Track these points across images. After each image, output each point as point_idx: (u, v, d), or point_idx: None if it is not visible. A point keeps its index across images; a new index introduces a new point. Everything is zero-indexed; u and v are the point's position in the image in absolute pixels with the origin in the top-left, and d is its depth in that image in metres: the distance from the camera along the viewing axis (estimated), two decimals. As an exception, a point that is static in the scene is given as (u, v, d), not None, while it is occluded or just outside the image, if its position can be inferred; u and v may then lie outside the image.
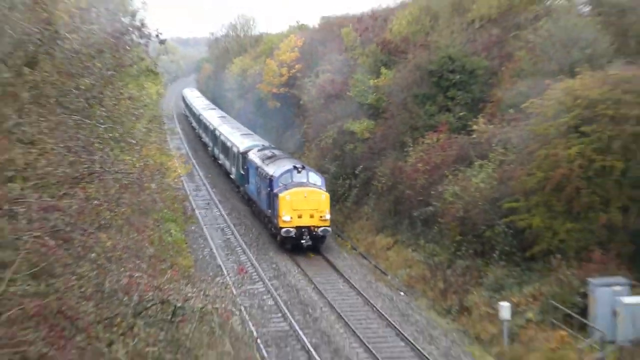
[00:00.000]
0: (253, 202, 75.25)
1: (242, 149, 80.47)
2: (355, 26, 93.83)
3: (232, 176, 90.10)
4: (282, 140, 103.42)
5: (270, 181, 62.49)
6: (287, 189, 59.99)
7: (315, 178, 62.82)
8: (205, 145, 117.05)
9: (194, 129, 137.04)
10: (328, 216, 60.26)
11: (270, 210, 63.92)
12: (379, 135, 70.98)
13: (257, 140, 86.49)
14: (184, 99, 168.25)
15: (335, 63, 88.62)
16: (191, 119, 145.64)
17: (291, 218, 59.02)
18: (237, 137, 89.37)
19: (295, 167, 62.18)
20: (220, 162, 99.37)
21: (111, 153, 25.88)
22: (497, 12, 73.82)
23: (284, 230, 59.39)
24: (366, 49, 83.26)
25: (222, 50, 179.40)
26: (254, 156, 73.75)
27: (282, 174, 61.67)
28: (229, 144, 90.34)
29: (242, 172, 79.31)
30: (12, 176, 20.61)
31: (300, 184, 60.65)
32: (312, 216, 59.31)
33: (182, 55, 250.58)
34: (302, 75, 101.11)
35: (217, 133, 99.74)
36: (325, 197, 60.86)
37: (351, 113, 77.16)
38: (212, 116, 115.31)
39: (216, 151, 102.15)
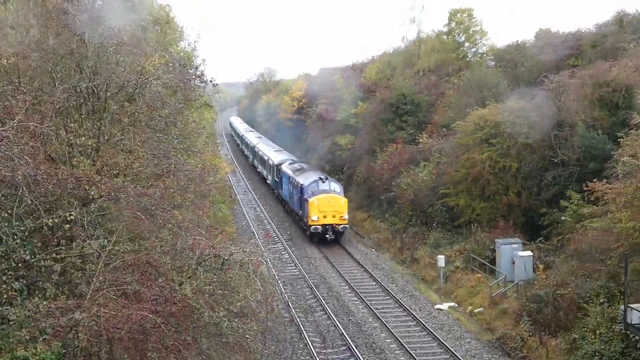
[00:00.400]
0: (286, 203, 69.13)
1: (276, 162, 74.33)
2: (342, 74, 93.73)
3: (268, 182, 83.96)
4: (295, 149, 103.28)
5: (301, 189, 57.43)
6: (314, 195, 55.10)
7: (335, 186, 57.51)
8: (247, 157, 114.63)
9: (237, 144, 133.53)
10: (346, 216, 55.47)
11: (300, 211, 58.91)
12: (358, 146, 70.91)
13: (287, 155, 79.85)
14: (231, 124, 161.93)
15: (329, 98, 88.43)
16: (236, 138, 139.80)
17: (318, 218, 54.29)
18: (271, 152, 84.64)
19: (320, 178, 57.13)
20: (258, 170, 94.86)
21: (181, 158, 25.88)
22: (434, 65, 74.36)
23: (312, 227, 54.45)
24: (349, 89, 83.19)
25: (254, 90, 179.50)
26: (286, 168, 67.90)
27: (310, 183, 56.55)
28: (265, 157, 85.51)
29: (276, 179, 73.34)
30: (117, 173, 20.63)
31: (325, 191, 55.61)
32: (334, 216, 54.50)
33: (228, 94, 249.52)
34: (307, 106, 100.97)
35: (256, 149, 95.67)
36: (344, 201, 55.64)
37: (339, 131, 77.16)
38: (252, 137, 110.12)
39: (255, 162, 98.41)
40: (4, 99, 19.45)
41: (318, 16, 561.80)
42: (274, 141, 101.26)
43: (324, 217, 54.51)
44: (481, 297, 38.85)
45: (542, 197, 42.72)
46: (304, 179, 58.83)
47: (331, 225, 54.49)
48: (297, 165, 67.76)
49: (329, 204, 54.59)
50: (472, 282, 40.63)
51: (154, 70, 23.43)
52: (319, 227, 54.28)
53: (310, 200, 54.95)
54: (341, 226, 54.94)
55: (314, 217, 54.41)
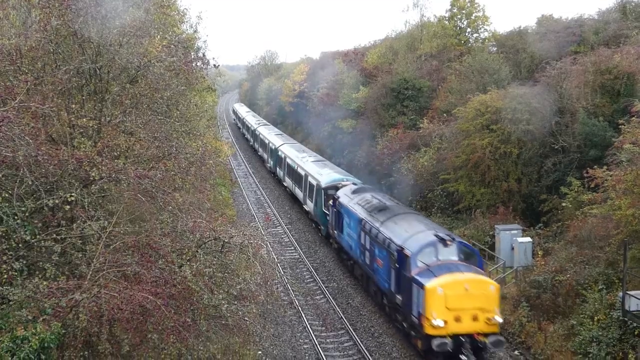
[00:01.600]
0: (350, 259, 42.25)
1: (319, 181, 51.16)
2: (343, 58, 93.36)
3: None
4: (295, 132, 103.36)
5: (400, 256, 30.92)
6: (435, 276, 28.72)
7: (468, 253, 30.89)
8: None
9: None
10: (499, 318, 28.58)
11: (402, 299, 31.04)
12: (359, 130, 70.76)
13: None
14: (234, 111, 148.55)
15: (330, 82, 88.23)
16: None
17: (445, 322, 27.89)
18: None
19: (440, 239, 30.65)
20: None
21: (183, 140, 25.82)
22: (436, 50, 74.08)
23: (436, 341, 27.73)
24: (350, 73, 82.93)
25: (255, 73, 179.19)
26: (352, 204, 40.94)
27: (421, 249, 30.21)
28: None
29: (324, 210, 48.35)
30: (118, 155, 20.60)
31: (455, 268, 29.33)
32: (475, 318, 28.14)
33: (230, 76, 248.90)
34: (308, 90, 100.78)
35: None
36: (494, 288, 28.76)
37: (340, 115, 76.98)
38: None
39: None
40: (6, 79, 19.38)
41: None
42: (274, 124, 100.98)
43: (456, 319, 28.30)
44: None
45: (542, 183, 42.77)
46: (402, 236, 32.69)
47: (469, 336, 28.16)
48: (368, 197, 41.56)
49: (466, 295, 28.42)
50: (472, 268, 40.59)
51: (157, 52, 23.35)
52: (446, 341, 27.78)
53: (429, 286, 28.39)
54: (491, 338, 28.17)
55: (438, 322, 28.02)
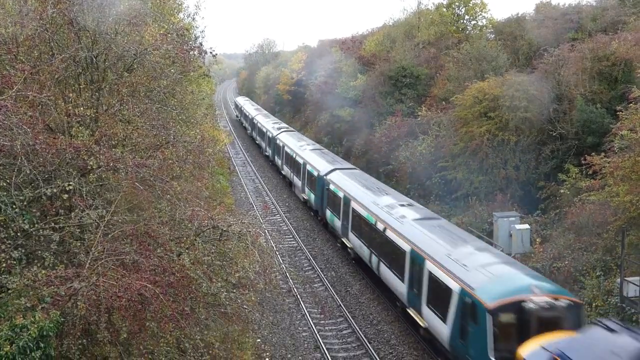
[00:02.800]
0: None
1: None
2: (341, 46, 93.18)
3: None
4: (292, 121, 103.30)
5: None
6: None
7: None
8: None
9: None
10: None
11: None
12: (357, 118, 70.71)
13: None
14: (236, 105, 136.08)
15: (328, 71, 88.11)
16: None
17: None
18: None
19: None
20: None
21: (180, 129, 25.81)
22: (434, 38, 74.14)
23: None
24: (348, 62, 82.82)
25: (253, 62, 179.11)
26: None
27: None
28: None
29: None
30: (116, 144, 20.58)
31: None
32: None
33: (227, 65, 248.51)
34: (306, 78, 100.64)
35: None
36: None
37: (338, 103, 76.90)
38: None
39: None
40: (2, 68, 19.35)
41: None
42: (272, 112, 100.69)
43: None
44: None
45: (540, 170, 42.81)
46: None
47: None
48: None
49: None
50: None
51: (154, 40, 23.30)
52: None
53: None
54: None
55: None
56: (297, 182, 58.15)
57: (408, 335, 31.39)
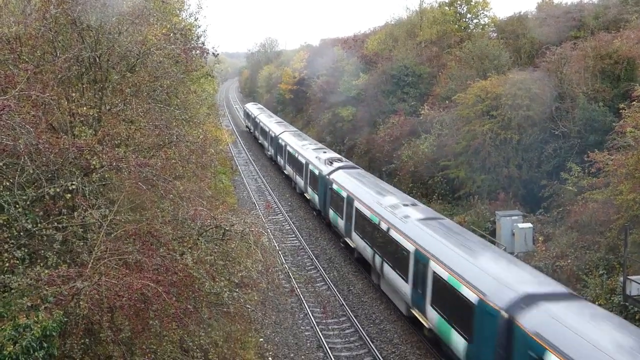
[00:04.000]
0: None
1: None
2: (343, 45, 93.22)
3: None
4: (294, 120, 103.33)
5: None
6: None
7: None
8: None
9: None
10: None
11: None
12: (359, 117, 70.76)
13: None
14: (245, 110, 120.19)
15: (330, 69, 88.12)
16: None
17: None
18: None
19: None
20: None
21: (183, 129, 25.80)
22: (436, 37, 74.06)
23: None
24: (350, 60, 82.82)
25: (255, 61, 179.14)
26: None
27: None
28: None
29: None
30: (119, 143, 20.57)
31: None
32: None
33: (229, 64, 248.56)
34: (308, 77, 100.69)
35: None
36: None
37: (340, 102, 76.92)
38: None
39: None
40: (6, 68, 19.35)
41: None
42: (275, 112, 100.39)
43: None
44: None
45: (543, 169, 42.77)
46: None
47: None
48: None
49: None
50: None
51: (156, 40, 23.30)
52: None
53: None
54: None
55: None
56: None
57: (411, 335, 31.37)
